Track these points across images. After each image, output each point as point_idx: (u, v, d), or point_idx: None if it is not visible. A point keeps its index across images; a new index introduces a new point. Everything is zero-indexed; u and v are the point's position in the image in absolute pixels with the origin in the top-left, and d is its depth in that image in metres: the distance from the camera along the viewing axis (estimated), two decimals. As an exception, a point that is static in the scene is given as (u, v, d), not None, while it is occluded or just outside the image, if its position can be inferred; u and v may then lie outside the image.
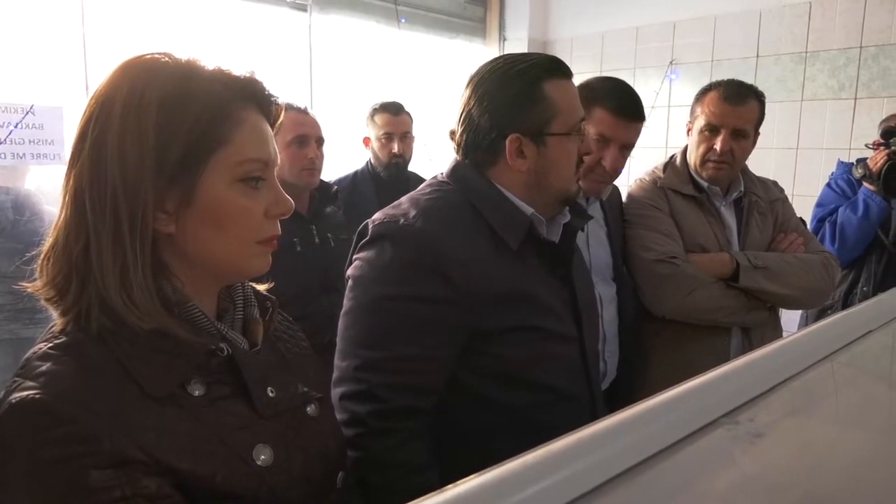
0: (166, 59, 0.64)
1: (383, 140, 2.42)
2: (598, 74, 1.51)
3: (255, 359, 0.69)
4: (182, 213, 0.62)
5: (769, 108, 1.62)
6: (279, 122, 0.71)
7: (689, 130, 1.63)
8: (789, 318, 1.71)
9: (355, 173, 2.51)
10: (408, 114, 2.48)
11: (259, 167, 0.66)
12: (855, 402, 0.51)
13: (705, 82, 1.62)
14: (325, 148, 1.88)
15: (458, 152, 1.05)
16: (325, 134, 1.88)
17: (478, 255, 0.95)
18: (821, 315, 2.24)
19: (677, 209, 1.57)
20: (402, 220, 0.95)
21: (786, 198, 1.69)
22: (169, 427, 0.58)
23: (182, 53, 0.65)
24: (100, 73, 0.63)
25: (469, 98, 1.01)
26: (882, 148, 2.07)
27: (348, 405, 0.94)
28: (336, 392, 0.96)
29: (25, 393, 0.54)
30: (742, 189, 1.61)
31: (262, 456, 0.63)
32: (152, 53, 0.64)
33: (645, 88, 3.22)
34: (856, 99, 2.71)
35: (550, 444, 0.35)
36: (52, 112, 2.08)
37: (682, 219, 1.56)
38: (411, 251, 0.94)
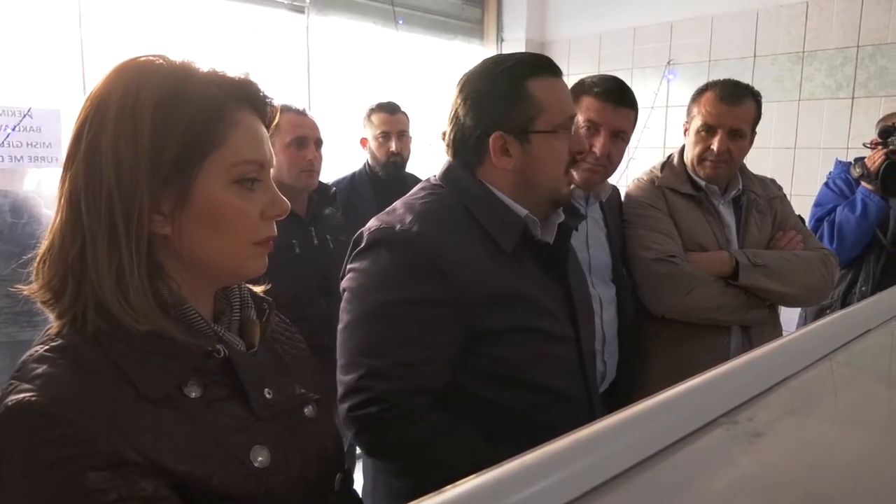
0: (161, 61, 0.63)
1: (380, 139, 2.42)
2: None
3: (252, 360, 0.68)
4: (177, 214, 0.62)
5: (766, 107, 1.62)
6: (275, 123, 0.71)
7: (685, 130, 1.63)
8: (788, 317, 1.71)
9: (353, 175, 2.51)
10: (404, 113, 2.49)
11: (254, 168, 0.66)
12: (854, 401, 0.51)
13: (703, 82, 1.62)
14: (323, 150, 1.88)
15: (448, 153, 1.05)
16: (322, 136, 1.88)
17: (474, 256, 0.95)
18: (819, 314, 2.24)
19: (676, 208, 1.57)
20: (398, 226, 0.95)
21: (784, 196, 1.69)
22: (165, 429, 0.58)
23: (177, 55, 0.65)
24: (97, 76, 0.63)
25: (456, 98, 1.01)
26: (880, 147, 2.07)
27: (357, 414, 0.93)
28: (343, 407, 0.95)
29: (21, 395, 0.54)
30: (740, 187, 1.61)
31: (260, 457, 0.63)
32: (147, 55, 0.64)
33: (643, 89, 3.22)
34: (853, 98, 2.72)
35: (549, 444, 0.35)
36: (49, 115, 2.07)
37: (681, 218, 1.56)
38: (408, 254, 0.93)
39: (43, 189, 2.19)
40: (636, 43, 3.34)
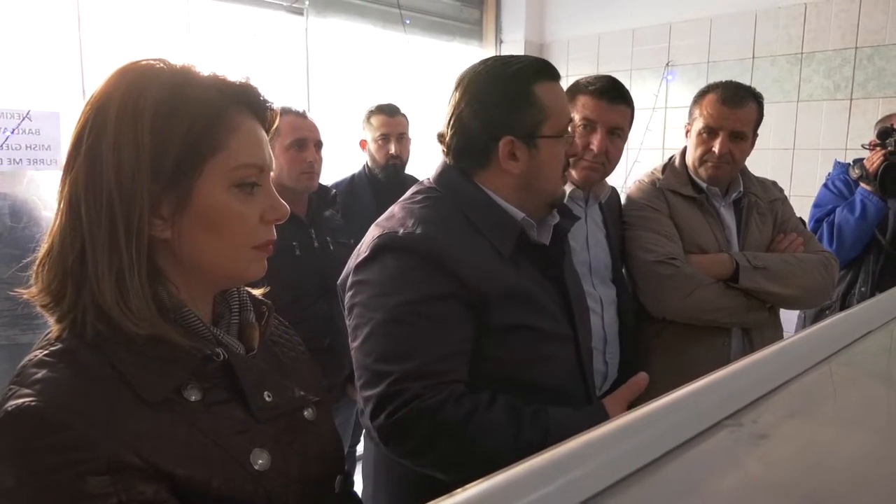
0: (161, 64, 0.63)
1: (380, 141, 2.42)
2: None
3: (251, 363, 0.68)
4: (177, 218, 0.62)
5: (765, 109, 1.62)
6: (275, 126, 0.71)
7: (687, 132, 1.63)
8: (787, 318, 1.71)
9: (352, 177, 2.51)
10: (404, 115, 2.49)
11: (254, 172, 0.66)
12: (857, 402, 0.51)
13: (702, 83, 1.62)
14: (322, 151, 1.88)
15: (447, 155, 1.05)
16: (322, 137, 1.88)
17: (477, 255, 0.96)
18: (819, 315, 2.24)
19: (676, 210, 1.57)
20: (401, 230, 0.95)
21: (785, 198, 1.69)
22: (165, 432, 0.57)
23: (177, 59, 0.65)
24: (96, 78, 0.63)
25: (459, 101, 1.01)
26: (878, 148, 2.08)
27: (399, 416, 0.89)
28: (380, 419, 0.90)
29: (21, 401, 0.54)
30: (741, 190, 1.61)
31: (260, 460, 0.63)
32: (147, 59, 0.64)
33: (642, 90, 3.22)
34: (851, 100, 2.72)
35: (555, 448, 0.35)
36: (48, 117, 2.07)
37: (682, 220, 1.57)
38: (415, 256, 0.93)
39: (41, 191, 2.19)
40: (635, 44, 3.34)
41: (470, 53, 3.66)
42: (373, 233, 0.99)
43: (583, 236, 1.47)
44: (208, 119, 0.62)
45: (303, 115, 1.84)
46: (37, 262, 0.63)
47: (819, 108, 2.81)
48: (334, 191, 1.99)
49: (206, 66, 0.65)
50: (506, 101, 0.98)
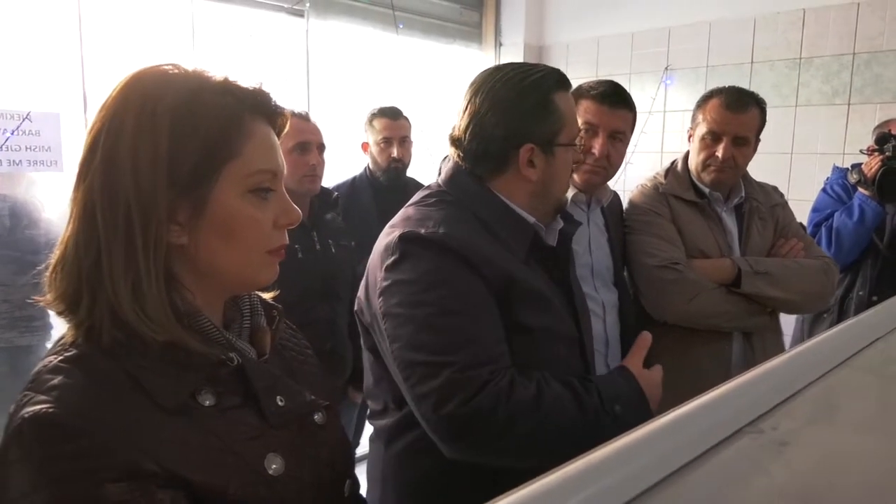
0: (175, 70, 0.63)
1: (382, 145, 2.42)
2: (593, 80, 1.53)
3: (264, 368, 0.68)
4: (194, 224, 0.62)
5: (765, 113, 1.63)
6: (284, 132, 0.71)
7: (689, 137, 1.64)
8: (785, 322, 1.73)
9: (353, 179, 2.50)
10: (406, 118, 2.48)
11: (268, 178, 0.66)
12: (877, 407, 0.51)
13: (700, 88, 1.63)
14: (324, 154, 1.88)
15: (462, 160, 1.05)
16: (324, 140, 1.88)
17: (498, 256, 0.98)
18: (817, 319, 2.26)
19: (679, 215, 1.58)
20: (423, 230, 0.96)
21: (786, 203, 1.70)
22: (181, 438, 0.57)
23: (188, 64, 0.65)
24: (97, 80, 0.63)
25: (480, 106, 1.01)
26: (876, 153, 2.09)
27: (471, 405, 0.86)
28: (451, 406, 0.86)
29: (38, 407, 0.54)
30: (743, 195, 1.62)
31: (274, 465, 0.63)
32: (160, 64, 0.64)
33: (641, 94, 3.23)
34: (849, 105, 2.74)
35: (575, 461, 0.35)
36: (49, 119, 2.06)
37: (684, 224, 1.57)
38: (444, 252, 0.94)
39: (40, 193, 2.18)
40: (634, 48, 3.36)
41: (469, 56, 3.67)
42: (390, 234, 0.99)
43: (585, 239, 1.47)
44: (225, 125, 0.62)
45: (305, 118, 1.84)
46: (50, 268, 0.62)
47: (817, 113, 2.82)
48: (336, 193, 1.99)
49: (216, 71, 0.65)
50: (530, 108, 1.00)
